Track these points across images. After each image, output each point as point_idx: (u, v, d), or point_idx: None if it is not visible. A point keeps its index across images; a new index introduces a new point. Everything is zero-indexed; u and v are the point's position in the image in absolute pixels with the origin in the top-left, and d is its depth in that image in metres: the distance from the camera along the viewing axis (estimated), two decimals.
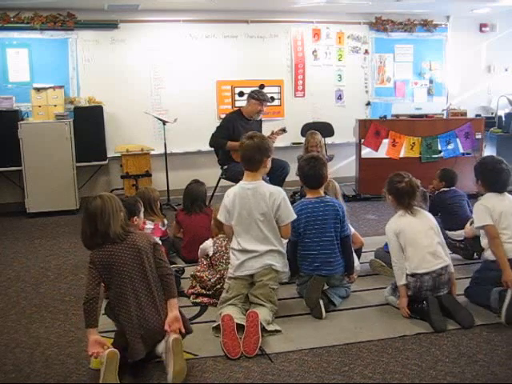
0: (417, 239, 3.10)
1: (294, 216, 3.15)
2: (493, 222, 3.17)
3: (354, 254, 3.63)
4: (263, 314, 2.93)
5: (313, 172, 3.32)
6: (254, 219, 3.05)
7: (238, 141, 5.27)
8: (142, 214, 3.71)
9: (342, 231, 3.29)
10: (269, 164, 3.19)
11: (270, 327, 2.91)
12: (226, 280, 3.17)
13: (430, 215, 3.27)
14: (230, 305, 3.01)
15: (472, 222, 3.84)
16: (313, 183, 3.37)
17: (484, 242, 3.27)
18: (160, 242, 3.93)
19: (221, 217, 3.18)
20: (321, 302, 3.13)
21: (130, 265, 2.55)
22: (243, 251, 3.07)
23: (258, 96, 5.43)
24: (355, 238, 3.78)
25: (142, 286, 2.56)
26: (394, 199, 3.26)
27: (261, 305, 3.00)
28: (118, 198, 2.68)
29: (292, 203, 3.24)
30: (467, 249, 4.03)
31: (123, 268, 2.54)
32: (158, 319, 2.56)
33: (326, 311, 3.13)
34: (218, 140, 5.39)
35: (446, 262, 3.11)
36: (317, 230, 3.25)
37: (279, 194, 3.10)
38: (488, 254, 3.23)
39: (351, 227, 3.79)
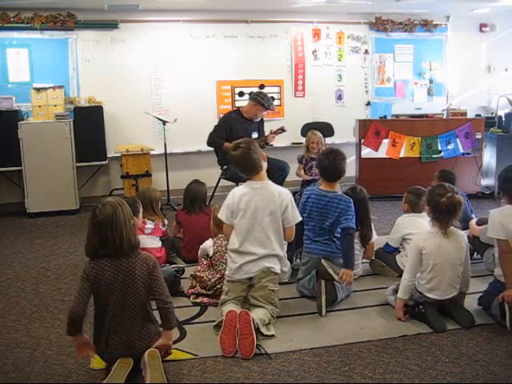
0: (441, 267, 2.95)
1: (300, 218, 3.17)
2: (506, 238, 2.96)
3: (359, 260, 3.65)
4: (259, 313, 2.91)
5: (329, 164, 3.35)
6: (258, 220, 3.04)
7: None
8: (140, 215, 3.70)
9: (342, 222, 3.28)
10: (264, 157, 3.17)
11: (265, 330, 2.87)
12: (225, 282, 3.15)
13: (463, 238, 3.05)
14: (231, 303, 3.00)
15: (478, 222, 3.83)
16: (328, 175, 3.41)
17: (496, 255, 3.07)
18: (159, 243, 3.97)
19: (222, 216, 3.12)
20: (323, 298, 3.13)
21: (119, 289, 2.42)
22: (241, 253, 3.04)
23: (264, 102, 5.31)
24: (369, 248, 3.77)
25: (128, 311, 2.45)
26: (431, 211, 3.03)
27: (260, 306, 2.99)
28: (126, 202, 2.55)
29: None
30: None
31: (112, 289, 2.42)
32: (140, 345, 2.46)
33: (327, 311, 3.14)
34: (215, 139, 5.37)
35: (456, 292, 3.02)
36: (317, 221, 3.36)
37: (287, 195, 3.13)
38: (499, 274, 3.04)
39: (375, 234, 3.79)
